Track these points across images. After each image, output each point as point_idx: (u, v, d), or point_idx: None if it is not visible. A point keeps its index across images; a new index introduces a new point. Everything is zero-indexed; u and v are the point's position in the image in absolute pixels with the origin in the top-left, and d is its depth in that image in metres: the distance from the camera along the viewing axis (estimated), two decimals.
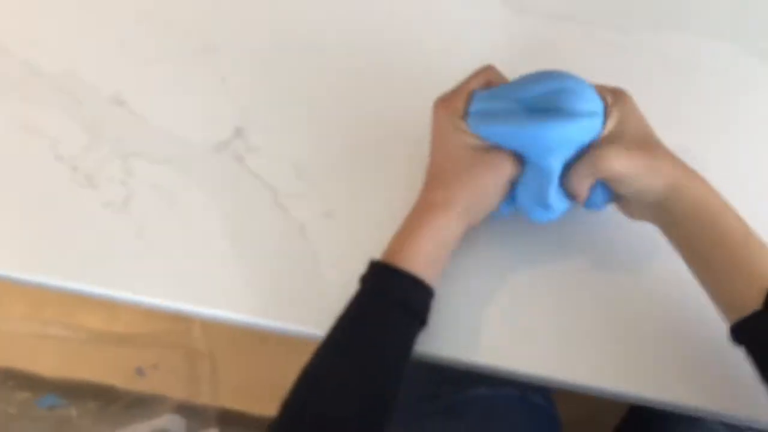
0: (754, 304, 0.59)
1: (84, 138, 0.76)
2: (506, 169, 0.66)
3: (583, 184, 0.65)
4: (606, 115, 0.64)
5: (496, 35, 0.80)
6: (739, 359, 0.61)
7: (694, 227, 0.63)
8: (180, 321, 1.42)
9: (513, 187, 0.67)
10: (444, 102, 0.68)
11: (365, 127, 0.77)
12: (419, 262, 0.64)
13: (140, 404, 1.38)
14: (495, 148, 0.66)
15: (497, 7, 0.82)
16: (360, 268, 0.70)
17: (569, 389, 0.68)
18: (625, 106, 0.65)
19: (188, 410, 1.37)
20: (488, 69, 0.69)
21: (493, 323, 0.69)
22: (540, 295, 0.70)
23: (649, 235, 0.68)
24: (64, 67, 0.80)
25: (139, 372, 1.41)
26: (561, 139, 0.63)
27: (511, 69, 0.69)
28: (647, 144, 0.64)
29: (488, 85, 0.68)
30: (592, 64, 0.76)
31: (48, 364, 1.42)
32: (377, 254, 0.71)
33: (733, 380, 0.66)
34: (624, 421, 0.97)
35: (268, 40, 0.80)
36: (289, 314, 0.71)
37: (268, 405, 1.42)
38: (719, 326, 0.62)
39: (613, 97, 0.66)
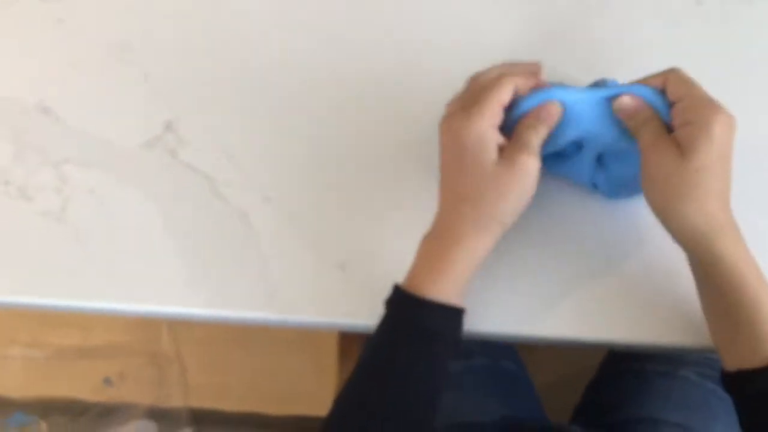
0: (755, 360, 0.59)
1: (11, 150, 0.75)
2: (533, 167, 0.63)
3: None
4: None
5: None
6: None
7: (707, 277, 0.62)
8: (145, 329, 1.42)
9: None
10: (470, 115, 0.63)
11: (293, 107, 0.76)
12: (454, 291, 0.63)
13: (110, 413, 1.37)
14: (513, 148, 0.64)
15: None
16: (304, 249, 0.71)
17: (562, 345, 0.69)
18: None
19: (159, 414, 1.37)
20: (513, 77, 0.65)
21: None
22: (526, 253, 0.71)
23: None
24: None
25: (107, 382, 1.40)
26: None
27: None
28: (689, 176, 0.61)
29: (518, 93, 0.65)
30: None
31: (14, 385, 1.41)
32: (320, 235, 0.72)
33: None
34: (595, 381, 0.98)
35: (185, 31, 0.80)
36: (238, 302, 0.70)
37: (239, 402, 1.42)
38: None
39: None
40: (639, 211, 0.70)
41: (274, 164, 0.74)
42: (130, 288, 0.72)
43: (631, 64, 0.70)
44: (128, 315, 0.73)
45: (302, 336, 1.37)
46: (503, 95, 0.64)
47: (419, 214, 0.67)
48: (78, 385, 1.40)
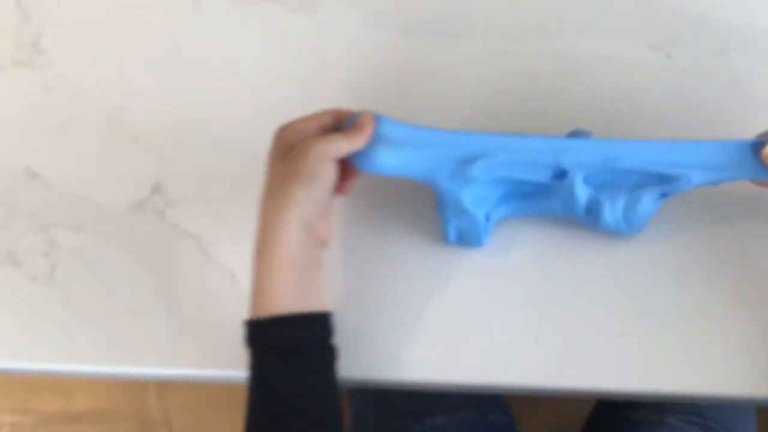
0: None
1: (0, 215, 0.76)
2: (312, 147, 0.64)
3: None
4: None
5: (364, 58, 0.82)
6: None
7: None
8: (130, 393, 1.40)
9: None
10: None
11: None
12: (292, 296, 0.63)
13: None
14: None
15: (358, 27, 0.83)
16: None
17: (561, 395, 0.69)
18: None
19: None
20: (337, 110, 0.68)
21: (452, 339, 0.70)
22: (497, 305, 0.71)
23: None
24: None
25: None
26: None
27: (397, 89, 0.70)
28: None
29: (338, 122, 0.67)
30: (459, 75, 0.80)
31: None
32: None
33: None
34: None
35: (172, 94, 0.81)
36: (228, 361, 0.70)
37: None
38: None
39: None
40: (626, 250, 0.71)
41: None
42: (119, 350, 0.71)
43: None
44: (118, 377, 0.73)
45: None
46: (323, 118, 0.67)
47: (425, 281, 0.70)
48: None
